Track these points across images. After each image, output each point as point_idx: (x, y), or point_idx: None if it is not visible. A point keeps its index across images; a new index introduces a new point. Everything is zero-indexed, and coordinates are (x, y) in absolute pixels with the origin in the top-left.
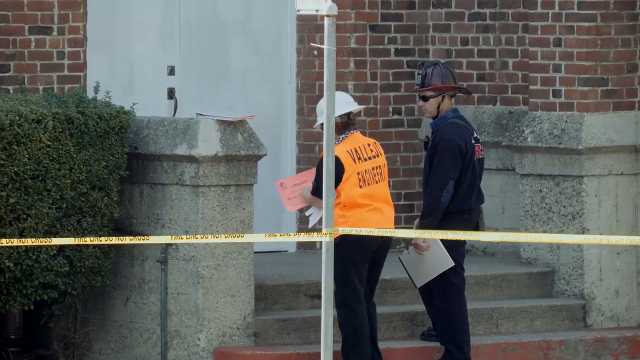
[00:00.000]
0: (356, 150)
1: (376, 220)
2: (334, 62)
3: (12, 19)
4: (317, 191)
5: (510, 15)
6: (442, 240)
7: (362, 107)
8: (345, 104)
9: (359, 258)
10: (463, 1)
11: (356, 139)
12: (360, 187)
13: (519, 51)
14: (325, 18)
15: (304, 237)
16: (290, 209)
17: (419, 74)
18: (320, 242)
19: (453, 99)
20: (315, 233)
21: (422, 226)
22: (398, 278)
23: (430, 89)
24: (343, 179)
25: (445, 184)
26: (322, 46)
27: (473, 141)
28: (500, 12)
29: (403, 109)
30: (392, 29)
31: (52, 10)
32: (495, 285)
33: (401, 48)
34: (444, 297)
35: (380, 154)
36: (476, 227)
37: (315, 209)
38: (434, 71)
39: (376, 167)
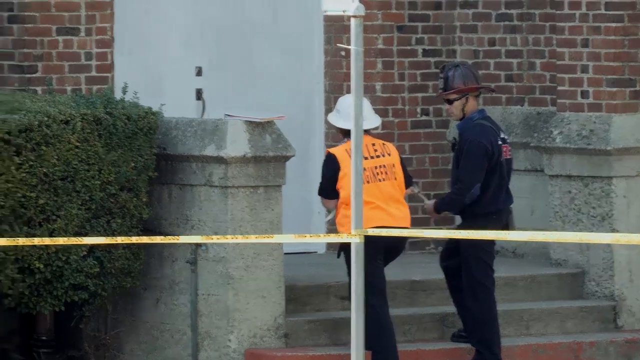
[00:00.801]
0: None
1: (380, 219)
2: (361, 63)
3: (40, 20)
4: (321, 191)
5: (537, 16)
6: (471, 241)
7: (372, 126)
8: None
9: (371, 255)
10: (490, 2)
11: (364, 139)
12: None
13: (547, 52)
14: (352, 19)
15: (333, 238)
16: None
17: (441, 77)
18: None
19: (479, 99)
20: (345, 234)
21: (436, 208)
22: (428, 279)
23: (453, 92)
24: (339, 177)
25: (471, 187)
26: (350, 47)
27: (500, 142)
28: (527, 13)
29: (431, 109)
30: (420, 29)
31: (79, 11)
32: (525, 287)
33: (428, 49)
34: (474, 298)
35: (388, 154)
36: (506, 228)
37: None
38: (455, 73)
39: (379, 166)
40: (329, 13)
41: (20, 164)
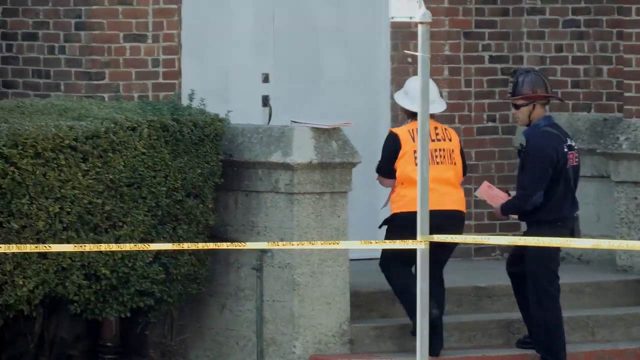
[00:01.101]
0: (417, 131)
1: (431, 202)
2: (428, 69)
3: (107, 26)
4: (379, 169)
5: (604, 22)
6: (536, 248)
7: (437, 110)
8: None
9: (408, 237)
10: (557, 8)
11: None
12: (416, 164)
13: (614, 58)
14: (419, 25)
15: (399, 245)
16: (480, 193)
17: (510, 81)
18: (416, 250)
19: (547, 106)
20: (410, 241)
21: (502, 210)
22: (493, 286)
23: (521, 97)
24: (399, 156)
25: (533, 194)
26: (416, 53)
27: (566, 149)
28: (594, 19)
29: (497, 116)
30: (486, 36)
31: (146, 17)
32: (590, 293)
33: (495, 55)
34: (539, 304)
35: (449, 139)
36: (572, 235)
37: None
38: (525, 79)
39: (439, 150)
40: (395, 19)
41: (87, 171)
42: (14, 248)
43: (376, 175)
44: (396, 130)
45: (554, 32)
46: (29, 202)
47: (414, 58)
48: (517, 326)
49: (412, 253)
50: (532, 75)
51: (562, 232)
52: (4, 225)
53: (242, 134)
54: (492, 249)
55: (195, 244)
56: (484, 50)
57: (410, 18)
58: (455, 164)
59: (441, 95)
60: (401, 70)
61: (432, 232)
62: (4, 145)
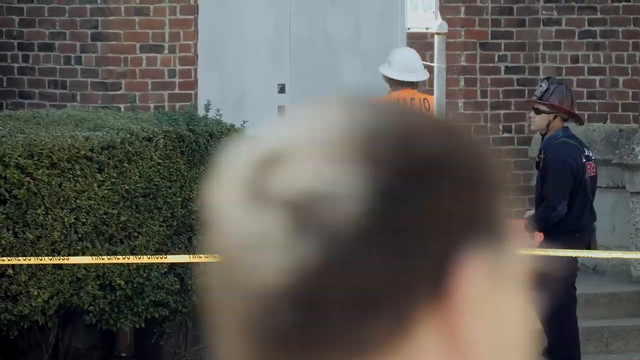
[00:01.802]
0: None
1: None
2: (444, 80)
3: (124, 37)
4: None
5: (620, 33)
6: (555, 258)
7: (416, 79)
8: (404, 71)
9: None
10: (573, 19)
11: (400, 93)
12: None
13: (630, 69)
14: (436, 36)
15: None
16: None
17: (540, 85)
18: None
19: (565, 122)
20: None
21: (526, 227)
22: None
23: (546, 104)
24: None
25: (557, 206)
26: (432, 64)
27: (584, 160)
28: (610, 30)
29: (513, 126)
30: (502, 46)
31: (163, 28)
32: (605, 304)
33: (511, 66)
34: (555, 315)
35: (427, 109)
36: (588, 246)
37: None
38: (555, 89)
39: None
40: (412, 30)
41: (103, 181)
42: (32, 260)
43: None
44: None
45: (570, 43)
46: (44, 213)
47: (430, 69)
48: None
49: None
50: (563, 88)
51: (579, 244)
52: (19, 235)
53: None
54: None
55: (212, 255)
56: (500, 61)
57: (427, 29)
58: None
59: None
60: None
61: None
62: (19, 156)
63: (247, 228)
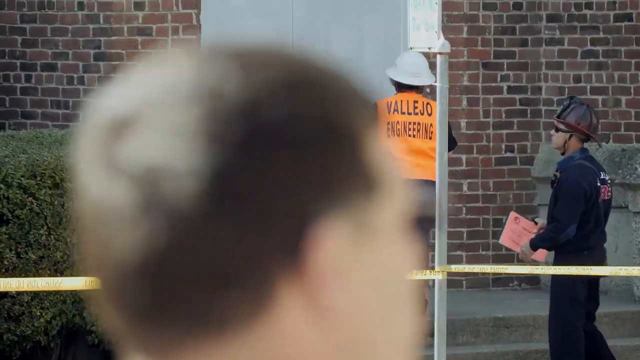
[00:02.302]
0: (397, 102)
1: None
2: (446, 100)
3: (126, 57)
4: None
5: (623, 53)
6: (560, 276)
7: (422, 83)
8: (410, 75)
9: None
10: (576, 39)
11: (403, 95)
12: (388, 136)
13: (632, 89)
14: (438, 55)
15: (417, 276)
16: (503, 241)
17: (563, 104)
18: (434, 281)
19: (584, 143)
20: (428, 271)
21: (531, 244)
22: (511, 316)
23: (563, 122)
24: None
25: (566, 228)
26: (435, 84)
27: (599, 183)
28: (613, 50)
29: (516, 146)
30: (505, 66)
31: (165, 48)
32: (609, 323)
33: (514, 85)
34: (559, 331)
35: (429, 113)
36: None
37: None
38: (574, 108)
39: (413, 123)
40: (414, 49)
41: None
42: (31, 280)
43: None
44: (379, 100)
45: (572, 63)
46: (46, 233)
47: (433, 88)
48: (534, 357)
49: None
50: (582, 108)
51: (588, 262)
52: (22, 256)
53: None
54: (510, 279)
55: None
56: (502, 80)
57: (429, 48)
58: (431, 138)
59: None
60: None
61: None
62: (22, 176)
63: (99, 198)
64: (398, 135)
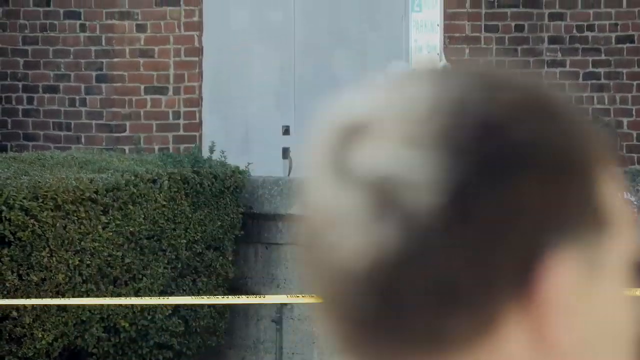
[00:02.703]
0: None
1: None
2: None
3: (128, 79)
4: None
5: (625, 75)
6: None
7: None
8: None
9: None
10: (577, 61)
11: None
12: None
13: (634, 111)
14: None
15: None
16: None
17: None
18: None
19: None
20: None
21: None
22: None
23: None
24: None
25: None
26: None
27: None
28: (614, 72)
29: None
30: None
31: (167, 70)
32: None
33: None
34: None
35: None
36: None
37: None
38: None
39: None
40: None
41: (107, 223)
42: (34, 301)
43: None
44: None
45: (574, 85)
46: (48, 255)
47: None
48: None
49: None
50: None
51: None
52: (24, 278)
53: (262, 186)
54: None
55: (215, 297)
56: None
57: None
58: None
59: None
60: None
61: None
62: (24, 198)
63: (330, 203)
64: None
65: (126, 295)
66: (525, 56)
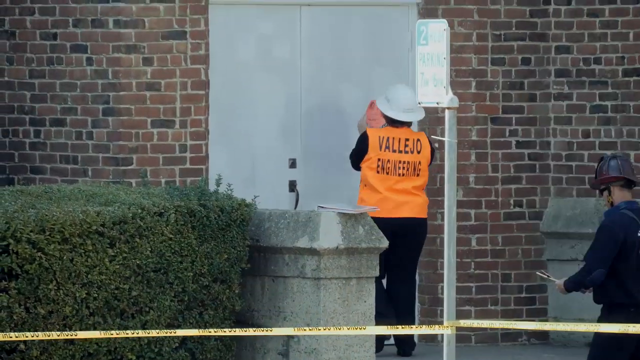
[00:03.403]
0: (388, 139)
1: (386, 210)
2: (455, 155)
3: (135, 112)
4: (350, 157)
5: (632, 108)
6: (608, 334)
7: (411, 119)
8: (403, 111)
9: None
10: (584, 94)
11: (395, 130)
12: (377, 172)
13: None
14: (447, 110)
15: (425, 330)
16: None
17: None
18: (442, 335)
19: (629, 191)
20: (437, 326)
21: (565, 286)
22: None
23: (595, 181)
24: (365, 158)
25: (592, 270)
26: (443, 138)
27: None
28: (621, 105)
29: (524, 201)
30: (513, 121)
31: (174, 103)
32: None
33: (522, 140)
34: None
35: (418, 151)
36: None
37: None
38: (603, 164)
39: (403, 162)
40: (423, 105)
41: (114, 256)
42: (40, 336)
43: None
44: (370, 132)
45: (581, 118)
46: (55, 288)
47: (441, 143)
48: None
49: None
50: (612, 160)
51: (636, 320)
52: (31, 311)
53: (269, 219)
54: (519, 334)
55: (222, 329)
56: (510, 135)
57: (438, 103)
58: (418, 175)
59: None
60: None
61: (388, 239)
62: (31, 231)
63: None
64: (387, 173)
65: (133, 328)
66: (532, 89)
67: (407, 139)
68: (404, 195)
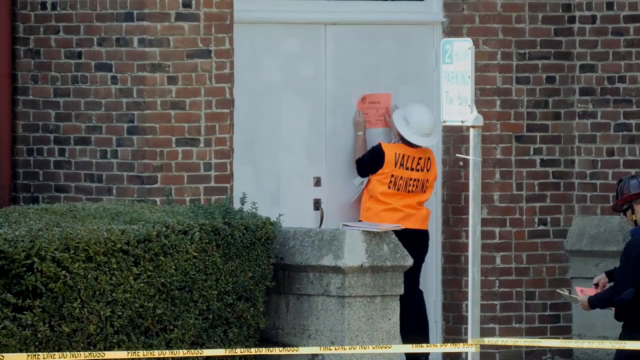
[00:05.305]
0: (404, 157)
1: (390, 219)
2: (479, 173)
3: (159, 131)
4: (358, 167)
5: None
6: (627, 352)
7: (428, 144)
8: (422, 135)
9: None
10: (609, 112)
11: (410, 150)
12: (389, 187)
13: None
14: (471, 129)
15: (449, 348)
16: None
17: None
18: (467, 353)
19: None
20: (462, 344)
21: (590, 303)
22: None
23: (617, 201)
24: (378, 172)
25: (622, 290)
26: (468, 157)
27: None
28: None
29: (549, 219)
30: (538, 139)
31: (199, 122)
32: None
33: (547, 159)
34: None
35: (427, 169)
36: None
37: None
38: (623, 184)
39: (414, 180)
40: (447, 123)
41: (139, 274)
42: (68, 356)
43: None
44: (386, 147)
45: (605, 136)
46: (80, 306)
47: (466, 162)
48: None
49: None
50: (632, 180)
51: None
52: (55, 329)
53: (293, 237)
54: (543, 352)
55: (248, 349)
56: (535, 153)
57: (462, 122)
58: (424, 192)
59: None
60: (453, 174)
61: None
62: (56, 249)
63: None
64: (398, 189)
65: (157, 346)
66: (557, 108)
67: (420, 158)
68: (409, 209)
